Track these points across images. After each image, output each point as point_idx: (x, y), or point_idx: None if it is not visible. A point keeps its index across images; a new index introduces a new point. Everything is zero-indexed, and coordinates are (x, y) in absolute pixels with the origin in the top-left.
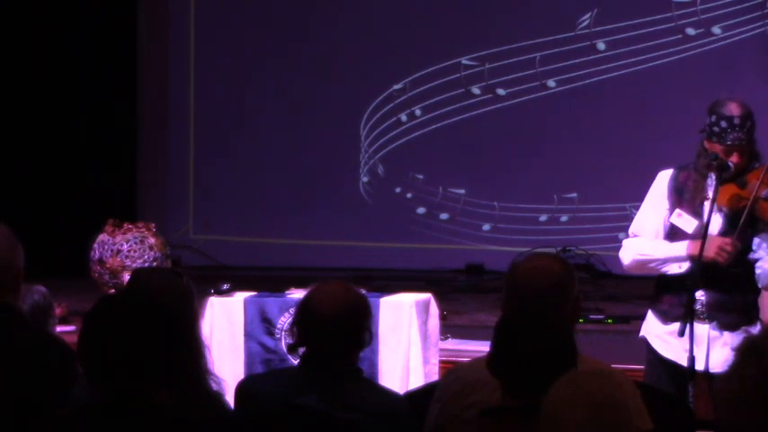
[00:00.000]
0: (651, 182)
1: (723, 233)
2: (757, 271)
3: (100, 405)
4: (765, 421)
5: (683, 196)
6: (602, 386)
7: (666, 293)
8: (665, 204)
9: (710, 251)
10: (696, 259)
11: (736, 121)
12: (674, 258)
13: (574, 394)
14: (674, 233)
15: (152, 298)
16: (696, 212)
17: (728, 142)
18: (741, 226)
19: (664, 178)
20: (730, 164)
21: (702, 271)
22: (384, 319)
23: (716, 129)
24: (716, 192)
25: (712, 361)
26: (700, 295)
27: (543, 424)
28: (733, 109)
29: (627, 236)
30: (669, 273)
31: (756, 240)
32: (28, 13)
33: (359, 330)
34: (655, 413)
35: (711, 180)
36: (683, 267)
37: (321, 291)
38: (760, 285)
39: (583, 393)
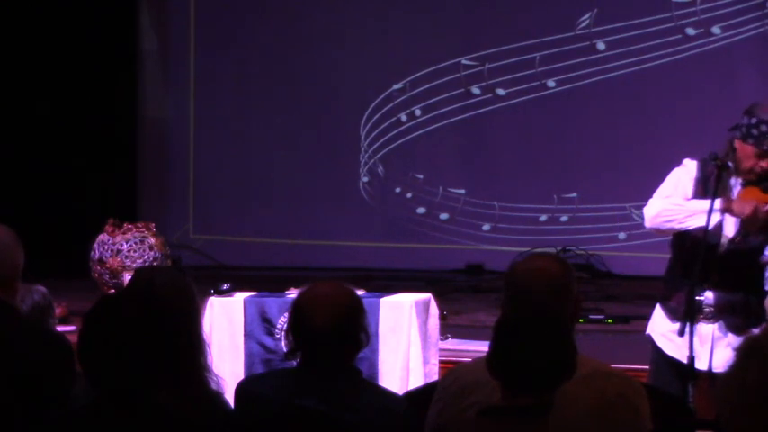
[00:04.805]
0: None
1: (737, 235)
2: (766, 259)
3: (100, 405)
4: (766, 422)
5: (707, 191)
6: (613, 385)
7: (678, 291)
8: (690, 187)
9: (746, 209)
10: (727, 212)
11: None
12: (704, 211)
13: (585, 393)
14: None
15: (154, 297)
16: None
17: (765, 147)
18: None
19: (692, 166)
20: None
21: (709, 266)
22: (384, 319)
23: (755, 131)
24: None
25: (716, 361)
26: (706, 295)
27: (553, 423)
28: None
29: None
30: (691, 227)
31: None
32: (29, 12)
33: (354, 331)
34: (654, 413)
35: (736, 180)
36: (714, 221)
37: (311, 295)
38: None
39: (594, 392)
